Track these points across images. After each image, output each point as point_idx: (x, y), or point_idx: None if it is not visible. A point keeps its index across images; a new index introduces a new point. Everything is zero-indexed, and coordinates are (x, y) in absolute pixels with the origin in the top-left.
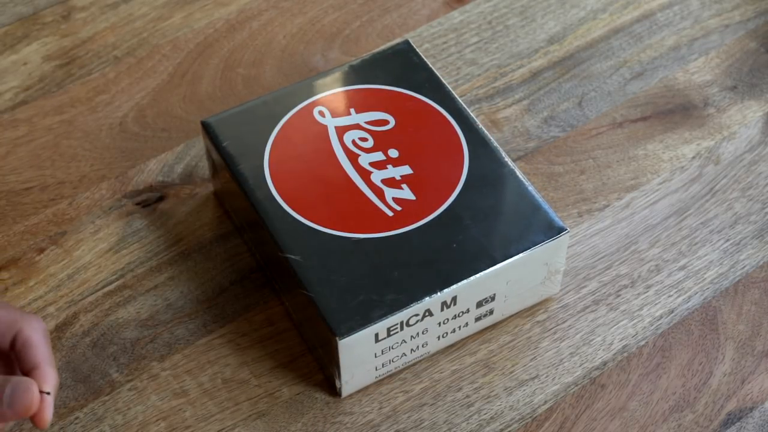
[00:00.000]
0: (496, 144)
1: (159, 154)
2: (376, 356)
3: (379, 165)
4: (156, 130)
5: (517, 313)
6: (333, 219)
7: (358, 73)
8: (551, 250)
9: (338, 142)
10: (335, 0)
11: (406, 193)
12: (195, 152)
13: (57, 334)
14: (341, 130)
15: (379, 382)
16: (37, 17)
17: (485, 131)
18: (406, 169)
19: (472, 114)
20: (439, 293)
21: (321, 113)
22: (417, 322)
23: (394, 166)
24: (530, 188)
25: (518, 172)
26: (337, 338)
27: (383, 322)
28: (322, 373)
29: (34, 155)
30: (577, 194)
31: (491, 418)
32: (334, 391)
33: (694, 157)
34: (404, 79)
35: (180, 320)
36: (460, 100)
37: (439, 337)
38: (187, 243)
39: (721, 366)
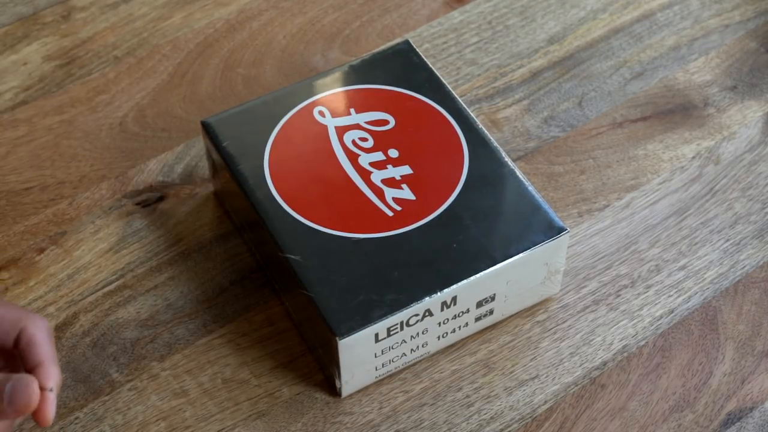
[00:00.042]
0: (496, 144)
1: (159, 154)
2: (376, 356)
3: (379, 165)
4: (156, 130)
5: (517, 313)
6: (333, 219)
7: (358, 73)
8: (551, 250)
9: (338, 142)
10: (335, 0)
11: (406, 193)
12: (195, 152)
13: (57, 334)
14: (341, 130)
15: (379, 382)
16: (37, 17)
17: (485, 131)
18: (406, 169)
19: (472, 114)
20: (439, 293)
21: (321, 113)
22: (417, 322)
23: (394, 166)
24: (530, 188)
25: (518, 172)
26: (337, 338)
27: (383, 322)
28: (322, 373)
29: (34, 155)
30: (577, 194)
31: (491, 418)
32: (334, 391)
33: (694, 157)
34: (404, 79)
35: (180, 320)
36: (460, 100)
37: (439, 337)
38: (187, 243)
39: (721, 366)
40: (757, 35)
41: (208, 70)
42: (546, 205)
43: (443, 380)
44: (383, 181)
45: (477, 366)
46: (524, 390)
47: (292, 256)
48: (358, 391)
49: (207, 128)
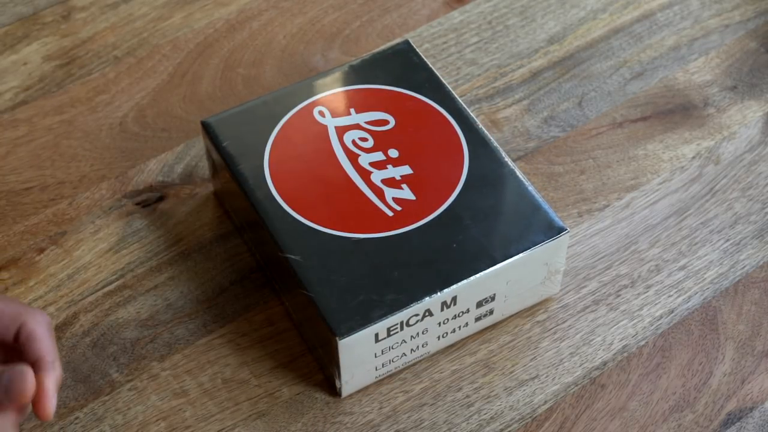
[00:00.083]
0: (496, 144)
1: (159, 154)
2: (376, 356)
3: (379, 165)
4: (156, 130)
5: (517, 313)
6: (333, 219)
7: (358, 73)
8: (551, 250)
9: (338, 142)
10: (335, 0)
11: (406, 193)
12: (195, 152)
13: (57, 334)
14: (341, 130)
15: (379, 382)
16: (37, 17)
17: (485, 131)
18: (406, 169)
19: (472, 114)
20: (439, 293)
21: (321, 113)
22: (417, 322)
23: (394, 166)
24: (530, 188)
25: (518, 172)
26: (337, 338)
27: (383, 322)
28: (322, 373)
29: (34, 155)
30: (577, 194)
31: (491, 418)
32: (334, 391)
33: (694, 157)
34: (404, 79)
35: (180, 320)
36: (460, 100)
37: (439, 337)
38: (187, 243)
39: (721, 366)
40: (757, 35)
41: (208, 70)
42: (546, 205)
43: (443, 380)
44: (383, 181)
45: (477, 366)
46: (524, 390)
47: (292, 256)
48: (358, 391)
49: (207, 128)
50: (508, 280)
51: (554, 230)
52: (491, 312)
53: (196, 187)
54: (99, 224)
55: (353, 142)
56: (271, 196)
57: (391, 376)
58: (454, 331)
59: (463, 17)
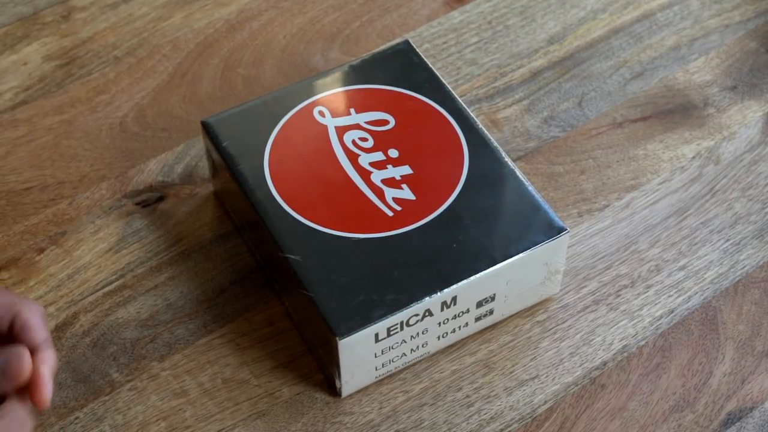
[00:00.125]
0: (496, 144)
1: (159, 154)
2: (376, 356)
3: (379, 165)
4: (156, 130)
5: (517, 313)
6: (333, 219)
7: (358, 73)
8: (551, 250)
9: (338, 142)
10: (335, 0)
11: (406, 193)
12: (195, 152)
13: (57, 334)
14: (341, 130)
15: (379, 382)
16: (37, 17)
17: (485, 131)
18: (406, 169)
19: (472, 114)
20: (439, 293)
21: (321, 113)
22: (417, 322)
23: (394, 166)
24: (530, 188)
25: (518, 172)
26: (337, 338)
27: (383, 322)
28: (322, 373)
29: (34, 155)
30: (577, 194)
31: (491, 418)
32: (334, 391)
33: (694, 157)
34: (404, 79)
35: (180, 320)
36: (460, 100)
37: (439, 337)
38: (187, 243)
39: (721, 366)
40: (757, 35)
41: (208, 70)
42: (546, 205)
43: (443, 380)
44: (383, 181)
45: (477, 366)
46: (524, 390)
47: (292, 256)
48: (358, 391)
49: (207, 128)
50: (508, 280)
51: (554, 230)
52: (491, 312)
53: (196, 187)
54: (99, 224)
55: (353, 142)
56: (271, 196)
57: (391, 376)
58: (454, 331)
59: (463, 17)
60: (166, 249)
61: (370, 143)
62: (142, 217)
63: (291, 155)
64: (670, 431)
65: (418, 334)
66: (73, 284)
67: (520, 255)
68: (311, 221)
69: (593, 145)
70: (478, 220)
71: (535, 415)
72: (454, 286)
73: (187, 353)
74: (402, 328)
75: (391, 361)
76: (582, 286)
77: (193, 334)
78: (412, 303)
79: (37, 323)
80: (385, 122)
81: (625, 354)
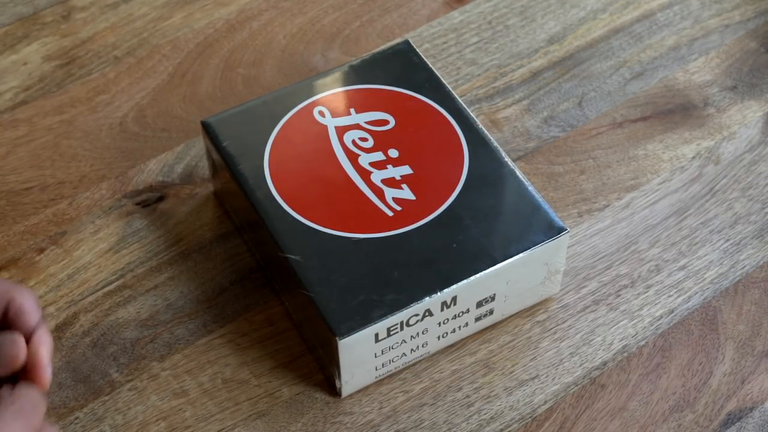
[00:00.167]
0: (496, 144)
1: (159, 154)
2: (376, 356)
3: (379, 165)
4: (156, 130)
5: (517, 313)
6: (333, 219)
7: (358, 73)
8: (551, 250)
9: (338, 142)
10: (335, 0)
11: (406, 193)
12: (195, 152)
13: (57, 334)
14: (341, 130)
15: (379, 382)
16: (37, 17)
17: (485, 131)
18: (406, 169)
19: (472, 114)
20: (439, 293)
21: (321, 113)
22: (417, 322)
23: (394, 166)
24: (530, 188)
25: (518, 172)
26: (337, 338)
27: (383, 322)
28: (322, 373)
29: (34, 155)
30: (577, 194)
31: (491, 418)
32: (334, 391)
33: (694, 157)
34: (404, 79)
35: (180, 320)
36: (460, 100)
37: (439, 337)
38: (187, 243)
39: (721, 366)
40: (757, 35)
41: (208, 70)
42: (546, 205)
43: (443, 380)
44: (383, 181)
45: (477, 366)
46: (524, 390)
47: (292, 256)
48: (358, 391)
49: (207, 128)
50: (508, 280)
51: (554, 230)
52: (491, 312)
53: (196, 187)
54: (99, 224)
55: (353, 142)
56: (271, 196)
57: (391, 376)
58: (454, 331)
59: (463, 17)
60: (166, 249)
61: (370, 143)
62: (142, 217)
63: (291, 155)
64: (670, 431)
65: (418, 334)
66: (73, 284)
67: (520, 255)
68: (311, 221)
69: (593, 145)
70: (478, 220)
71: (535, 415)
72: (454, 286)
73: (187, 353)
74: (402, 328)
75: (391, 361)
76: (582, 286)
77: (193, 334)
78: (412, 303)
79: (31, 307)
80: (385, 122)
81: (625, 354)
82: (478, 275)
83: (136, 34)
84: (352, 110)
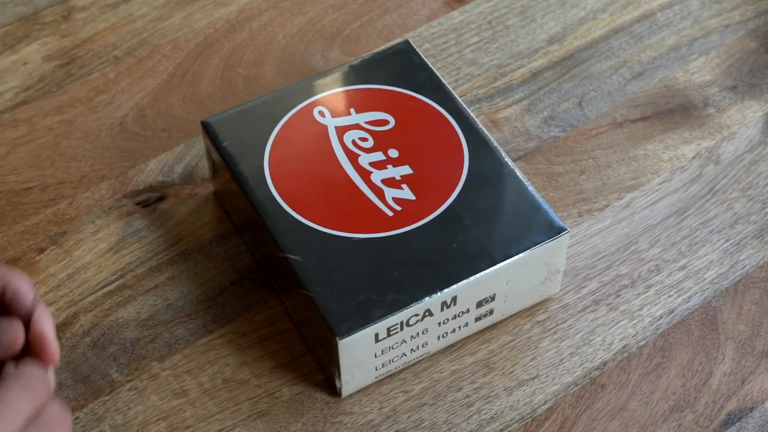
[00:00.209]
0: (496, 144)
1: (159, 154)
2: (376, 356)
3: (379, 165)
4: (156, 130)
5: (517, 313)
6: (333, 219)
7: (358, 73)
8: (551, 250)
9: (338, 142)
10: (335, 0)
11: (406, 193)
12: (195, 152)
13: (57, 334)
14: (341, 130)
15: (379, 382)
16: (37, 17)
17: (485, 131)
18: (406, 169)
19: (472, 114)
20: (439, 293)
21: (321, 113)
22: (417, 322)
23: (394, 166)
24: (530, 188)
25: (518, 172)
26: (337, 338)
27: (383, 322)
28: (322, 373)
29: (34, 155)
30: (577, 194)
31: (491, 418)
32: (334, 391)
33: (694, 157)
34: (404, 79)
35: (180, 320)
36: (460, 100)
37: (439, 337)
38: (187, 243)
39: (721, 366)
40: (757, 35)
41: (208, 70)
42: (546, 205)
43: (443, 380)
44: (383, 181)
45: (477, 366)
46: (524, 390)
47: (292, 256)
48: (358, 391)
49: (207, 128)
50: (508, 280)
51: (554, 230)
52: (491, 312)
53: (196, 187)
54: (99, 224)
55: (353, 142)
56: (271, 196)
57: (391, 376)
58: (454, 331)
59: (463, 17)
60: (166, 249)
61: (370, 143)
62: (142, 217)
63: (291, 155)
64: (670, 431)
65: (418, 334)
66: (73, 284)
67: (520, 255)
68: (311, 221)
69: (593, 145)
70: (478, 220)
71: (535, 415)
72: (454, 286)
73: (187, 353)
74: (402, 328)
75: (391, 361)
76: (582, 286)
77: (193, 334)
78: (412, 303)
79: (27, 289)
80: (385, 122)
81: (625, 354)
82: (478, 275)
83: (136, 34)
84: (352, 110)
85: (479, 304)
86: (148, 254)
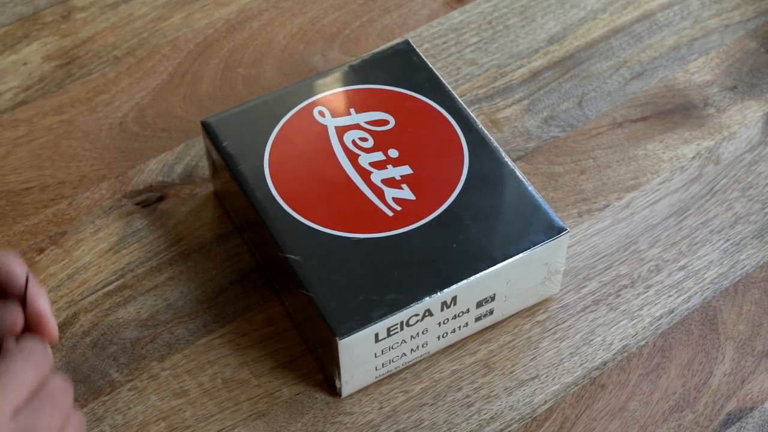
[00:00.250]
0: (496, 144)
1: (159, 154)
2: (376, 356)
3: (379, 165)
4: (156, 130)
5: (517, 313)
6: (333, 219)
7: (358, 73)
8: (551, 250)
9: (338, 142)
10: (335, 0)
11: (406, 193)
12: (195, 152)
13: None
14: (341, 130)
15: (379, 382)
16: (37, 17)
17: (485, 131)
18: (406, 169)
19: (472, 114)
20: (439, 293)
21: (321, 113)
22: (417, 322)
23: (394, 166)
24: (530, 188)
25: (518, 172)
26: (337, 338)
27: (383, 322)
28: (322, 373)
29: (34, 155)
30: (577, 194)
31: (491, 418)
32: (334, 391)
33: (694, 157)
34: (404, 79)
35: (180, 320)
36: (460, 100)
37: (439, 337)
38: (187, 243)
39: (721, 366)
40: (757, 35)
41: (208, 70)
42: (546, 205)
43: (443, 380)
44: (383, 181)
45: (477, 366)
46: (524, 390)
47: (292, 256)
48: (358, 391)
49: (207, 128)
50: (508, 280)
51: (554, 230)
52: (491, 312)
53: (196, 187)
54: (99, 224)
55: (353, 142)
56: (271, 196)
57: (391, 376)
58: (454, 331)
59: (463, 17)
60: (166, 249)
61: (370, 143)
62: (142, 217)
63: (291, 155)
64: (670, 431)
65: (418, 334)
66: (73, 284)
67: (520, 255)
68: (311, 221)
69: (593, 145)
70: (478, 220)
71: (535, 415)
72: (454, 286)
73: (187, 353)
74: (402, 328)
75: (391, 361)
76: (582, 286)
77: (193, 334)
78: (412, 303)
79: (21, 269)
80: (385, 122)
81: (625, 354)
82: (478, 275)
83: (136, 34)
84: (352, 110)
85: (479, 304)
86: (148, 254)
